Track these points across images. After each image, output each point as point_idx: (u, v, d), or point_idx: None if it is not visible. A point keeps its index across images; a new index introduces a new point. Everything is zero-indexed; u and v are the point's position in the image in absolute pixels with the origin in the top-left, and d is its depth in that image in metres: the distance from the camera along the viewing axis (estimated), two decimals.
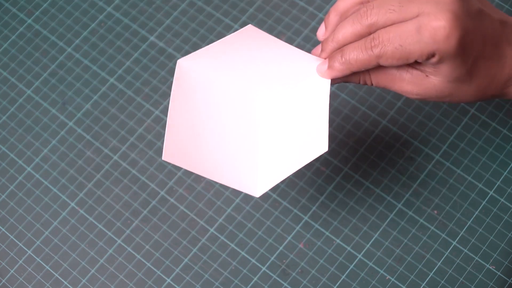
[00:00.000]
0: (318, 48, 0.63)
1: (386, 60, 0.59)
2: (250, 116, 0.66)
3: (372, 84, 0.63)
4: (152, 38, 0.78)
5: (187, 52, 0.77)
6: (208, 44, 0.78)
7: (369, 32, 0.60)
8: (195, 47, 0.78)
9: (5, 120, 0.76)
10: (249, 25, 0.61)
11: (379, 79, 0.62)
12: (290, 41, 0.77)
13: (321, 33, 0.63)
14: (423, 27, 0.58)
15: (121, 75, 0.77)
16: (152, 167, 0.74)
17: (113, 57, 0.78)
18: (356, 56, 0.60)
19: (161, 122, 0.75)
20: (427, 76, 0.61)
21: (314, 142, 0.62)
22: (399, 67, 0.62)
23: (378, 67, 0.62)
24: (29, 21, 0.79)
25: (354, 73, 0.62)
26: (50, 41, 0.79)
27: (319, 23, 0.78)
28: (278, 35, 0.77)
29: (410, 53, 0.58)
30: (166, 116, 0.75)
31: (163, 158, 0.59)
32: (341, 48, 0.61)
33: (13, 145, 0.75)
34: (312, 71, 0.64)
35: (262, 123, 0.66)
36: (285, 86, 0.66)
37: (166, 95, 0.76)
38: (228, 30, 0.78)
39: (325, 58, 0.62)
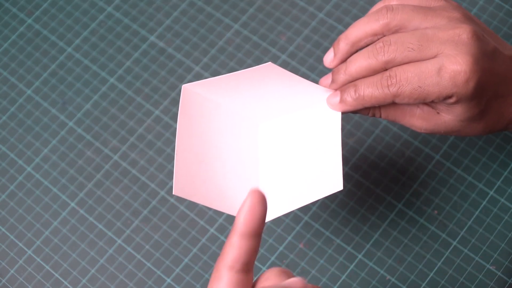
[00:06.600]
0: (327, 78, 0.62)
1: (403, 99, 0.58)
2: (254, 146, 0.65)
3: (381, 117, 0.61)
4: (152, 38, 0.78)
5: (187, 52, 0.77)
6: (208, 45, 0.78)
7: (384, 68, 0.58)
8: (195, 47, 0.78)
9: (5, 120, 0.76)
10: (269, 62, 0.59)
11: (388, 113, 0.61)
12: (290, 41, 0.77)
13: (329, 59, 0.61)
14: (443, 70, 0.56)
15: (121, 75, 0.77)
16: (152, 167, 0.74)
17: (113, 57, 0.78)
18: (371, 93, 0.58)
19: (161, 122, 0.75)
20: (438, 113, 0.60)
21: (328, 179, 0.59)
22: None
23: None
24: (29, 21, 0.79)
25: None
26: (50, 41, 0.79)
27: (319, 23, 0.78)
28: (278, 35, 0.77)
29: (428, 94, 0.57)
30: (166, 116, 0.75)
31: (173, 193, 0.58)
32: (354, 81, 0.59)
33: (13, 145, 0.75)
34: (321, 101, 0.62)
35: (267, 153, 0.64)
36: (292, 115, 0.64)
37: (166, 95, 0.76)
38: (228, 30, 0.78)
39: (335, 90, 0.60)
